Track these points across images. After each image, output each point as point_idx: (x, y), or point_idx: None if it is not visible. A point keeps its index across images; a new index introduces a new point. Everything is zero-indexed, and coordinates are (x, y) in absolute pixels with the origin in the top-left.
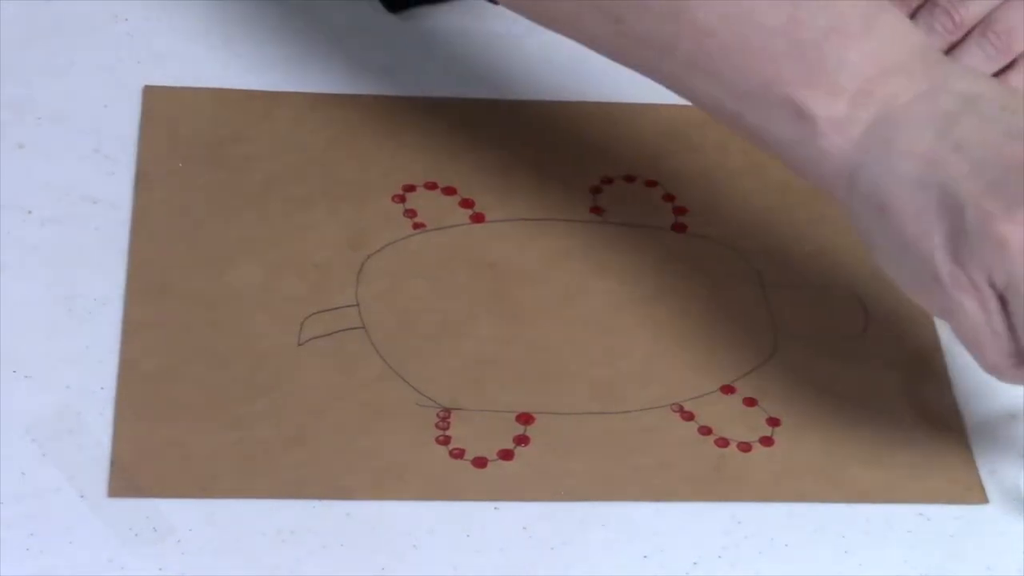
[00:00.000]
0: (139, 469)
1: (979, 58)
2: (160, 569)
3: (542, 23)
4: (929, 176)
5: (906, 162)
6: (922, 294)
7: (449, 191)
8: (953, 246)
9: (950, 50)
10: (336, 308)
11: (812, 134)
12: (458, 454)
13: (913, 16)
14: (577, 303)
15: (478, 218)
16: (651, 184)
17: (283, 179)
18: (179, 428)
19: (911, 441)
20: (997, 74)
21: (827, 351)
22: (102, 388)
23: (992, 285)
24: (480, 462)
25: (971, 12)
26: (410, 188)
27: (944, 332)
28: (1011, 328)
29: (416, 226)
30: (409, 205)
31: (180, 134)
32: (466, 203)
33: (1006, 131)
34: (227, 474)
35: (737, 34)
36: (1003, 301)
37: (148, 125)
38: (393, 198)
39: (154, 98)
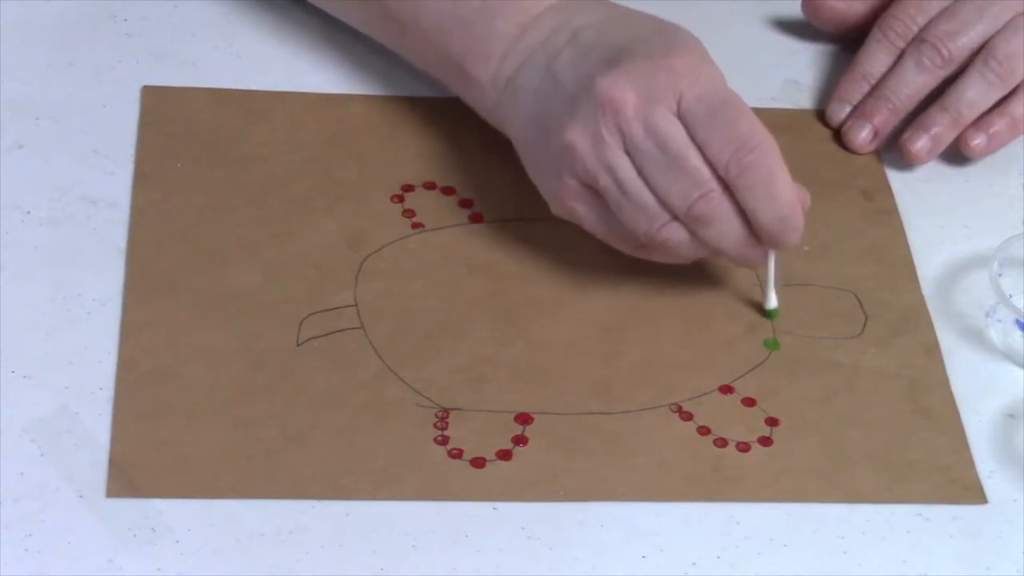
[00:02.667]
0: (137, 469)
1: (981, 87)
2: (158, 569)
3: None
4: (537, 108)
5: (525, 102)
6: (559, 209)
7: (448, 191)
8: (554, 161)
9: (948, 83)
10: (335, 308)
11: (480, 92)
12: (456, 454)
13: (902, 53)
14: (576, 303)
15: (477, 218)
16: None
17: (282, 179)
18: (177, 428)
19: (910, 441)
20: (999, 101)
21: (826, 351)
22: (101, 388)
23: (585, 186)
24: (478, 462)
25: (960, 46)
26: (409, 188)
27: (944, 332)
28: (617, 217)
29: (415, 226)
30: (408, 205)
31: (179, 134)
32: (465, 203)
33: (586, 51)
34: (225, 474)
35: (415, 16)
36: (600, 197)
37: (147, 125)
38: (392, 198)
39: (153, 98)
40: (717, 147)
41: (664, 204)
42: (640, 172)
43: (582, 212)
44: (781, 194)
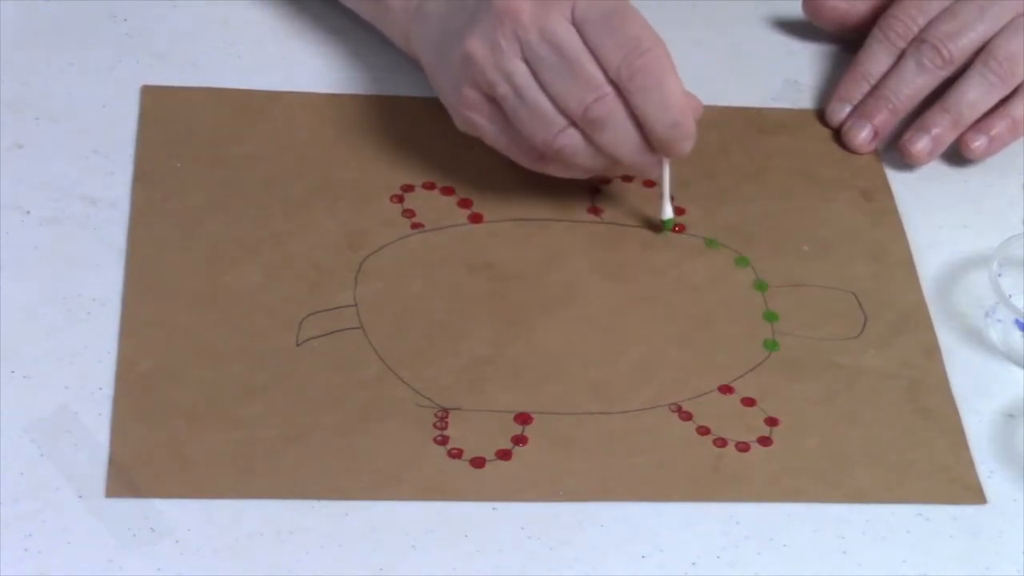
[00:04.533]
0: (137, 469)
1: (982, 88)
2: (158, 569)
3: None
4: (441, 27)
5: (429, 25)
6: (463, 124)
7: (447, 191)
8: (454, 75)
9: (948, 83)
10: (334, 308)
11: (393, 20)
12: (456, 454)
13: (903, 53)
14: (575, 303)
15: (476, 218)
16: (649, 184)
17: (281, 179)
18: (177, 428)
19: (910, 441)
20: (1000, 102)
21: (826, 351)
22: (100, 388)
23: (485, 97)
24: (478, 462)
25: (961, 47)
26: (408, 188)
27: (944, 332)
28: (516, 127)
29: (414, 226)
30: (407, 205)
31: (178, 134)
32: (464, 203)
33: None
34: (225, 474)
35: None
36: (500, 108)
37: (147, 125)
38: (391, 198)
39: (153, 98)
40: (609, 50)
41: (560, 109)
42: (537, 78)
43: (482, 123)
44: (672, 97)
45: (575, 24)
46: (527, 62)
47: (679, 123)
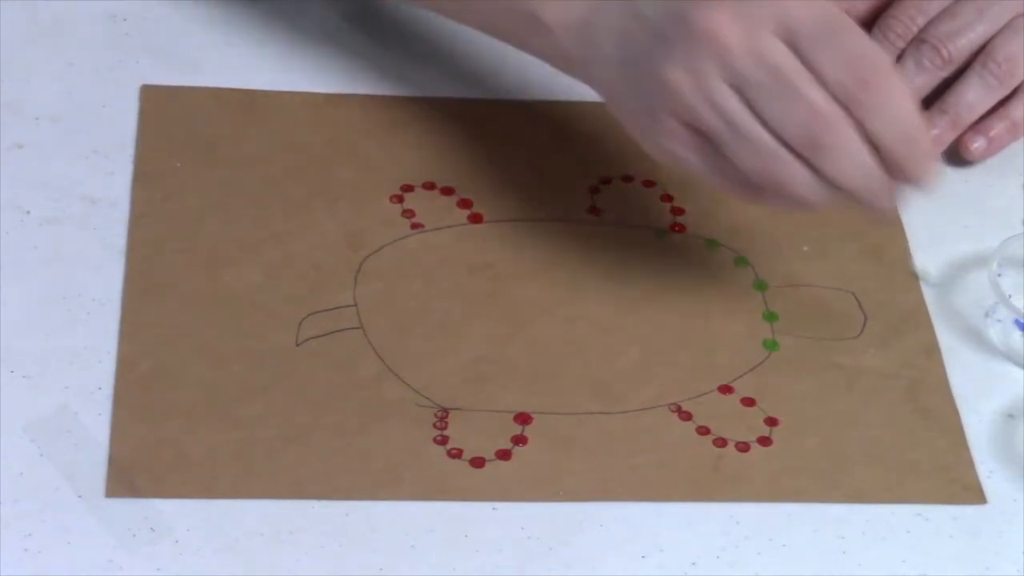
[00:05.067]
0: (137, 469)
1: (981, 89)
2: (158, 569)
3: None
4: (624, 49)
5: (608, 44)
6: (656, 152)
7: (447, 191)
8: (649, 102)
9: (946, 84)
10: (334, 308)
11: (552, 40)
12: (456, 454)
13: (902, 53)
14: (575, 303)
15: (476, 218)
16: (649, 184)
17: (281, 179)
18: (177, 428)
19: (910, 441)
20: (999, 104)
21: (825, 351)
22: (100, 388)
23: (687, 126)
24: (478, 462)
25: (960, 47)
26: (408, 188)
27: (944, 332)
28: (723, 159)
29: (414, 226)
30: (407, 205)
31: (178, 134)
32: (464, 203)
33: None
34: (225, 474)
35: None
36: (709, 139)
37: (146, 125)
38: (391, 198)
39: (152, 98)
40: (830, 66)
41: (779, 138)
42: (750, 105)
43: (686, 155)
44: (906, 111)
45: (786, 40)
46: (736, 88)
47: (913, 138)
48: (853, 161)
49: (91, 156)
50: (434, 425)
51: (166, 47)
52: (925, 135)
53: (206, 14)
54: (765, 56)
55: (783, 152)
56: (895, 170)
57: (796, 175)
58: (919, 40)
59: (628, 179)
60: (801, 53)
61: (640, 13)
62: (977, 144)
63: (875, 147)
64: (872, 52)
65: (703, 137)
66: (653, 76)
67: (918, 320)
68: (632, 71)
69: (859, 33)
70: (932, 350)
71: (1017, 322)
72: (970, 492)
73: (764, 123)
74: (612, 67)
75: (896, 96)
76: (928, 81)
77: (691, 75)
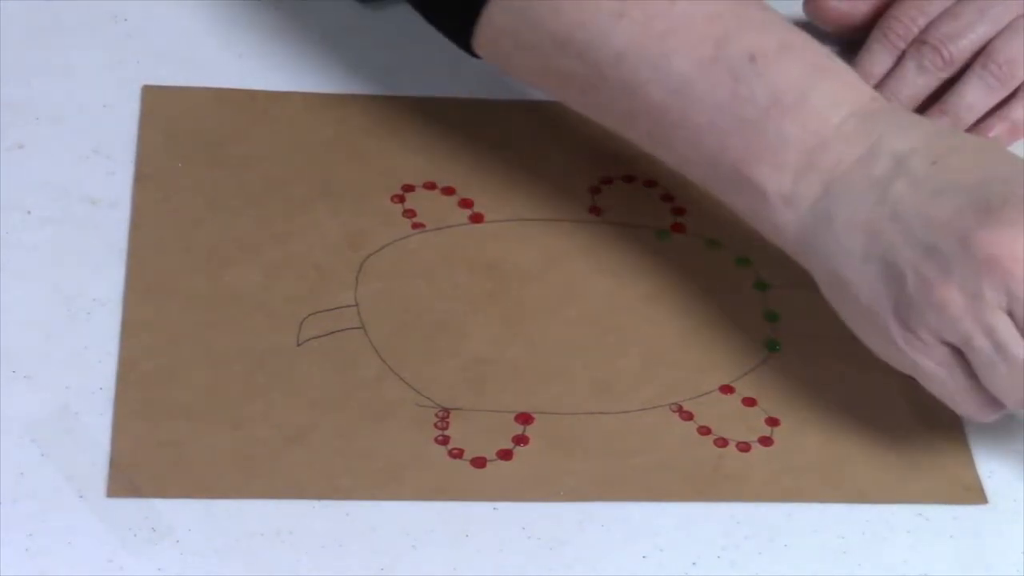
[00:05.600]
0: (138, 469)
1: (981, 90)
2: (159, 569)
3: (521, 80)
4: (872, 247)
5: (849, 235)
6: (887, 355)
7: (448, 191)
8: (903, 312)
9: (948, 84)
10: (335, 308)
11: (765, 206)
12: (457, 454)
13: (903, 54)
14: (576, 303)
15: (477, 218)
16: (650, 184)
17: (282, 179)
18: (178, 428)
19: (910, 441)
20: (999, 105)
21: (826, 351)
22: (101, 388)
23: (945, 343)
24: (479, 462)
25: (961, 48)
26: (409, 188)
27: None
28: (974, 379)
29: (415, 226)
30: (408, 205)
31: (179, 134)
32: (465, 203)
33: (934, 190)
34: (226, 474)
35: (685, 111)
36: (962, 355)
37: (147, 125)
38: (392, 198)
39: (153, 98)
40: None
41: None
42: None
43: (927, 368)
44: None
45: None
46: (1012, 314)
47: None
48: None
49: (92, 156)
50: (435, 425)
51: (167, 47)
52: None
53: (206, 14)
54: None
55: None
56: None
57: None
58: (920, 41)
59: (629, 179)
60: None
61: (898, 215)
62: None
63: None
64: None
65: (959, 355)
66: (921, 291)
67: None
68: (883, 274)
69: None
70: None
71: None
72: (970, 492)
73: None
74: (854, 263)
75: None
76: (929, 82)
77: (969, 299)
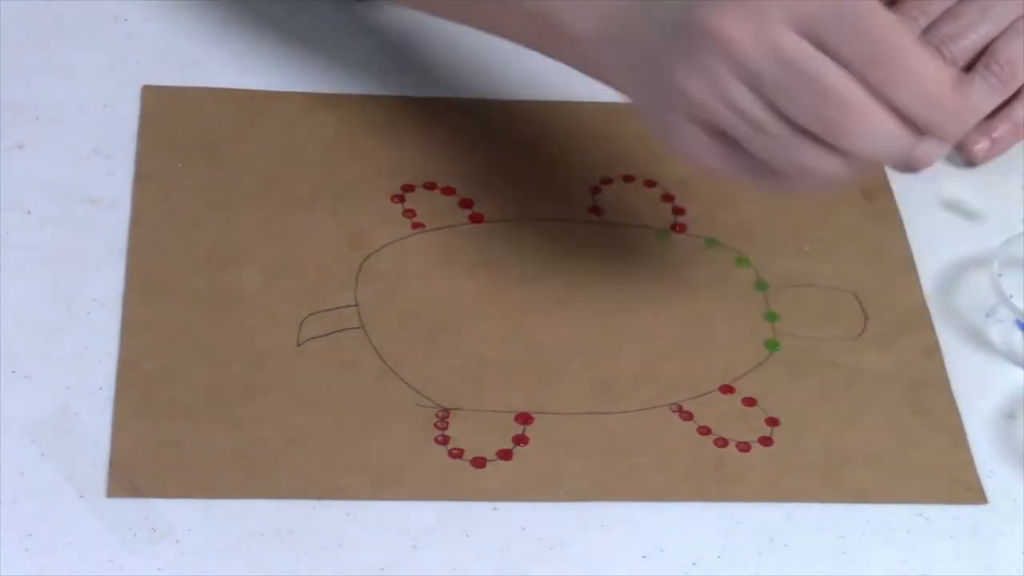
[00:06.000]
0: (138, 469)
1: (983, 90)
2: (159, 569)
3: None
4: (640, 55)
5: (628, 52)
6: (684, 157)
7: (448, 191)
8: (671, 109)
9: None
10: (335, 308)
11: (575, 49)
12: (457, 454)
13: None
14: (576, 303)
15: (477, 218)
16: (650, 184)
17: (282, 179)
18: (178, 428)
19: (910, 441)
20: (1001, 106)
21: (826, 351)
22: (101, 388)
23: (709, 130)
24: (479, 462)
25: (962, 48)
26: (409, 188)
27: (944, 332)
28: (748, 156)
29: (415, 226)
30: (408, 205)
31: (179, 134)
32: (465, 203)
33: None
34: (226, 474)
35: None
36: (727, 137)
37: (147, 125)
38: (392, 198)
39: (153, 98)
40: (851, 51)
41: (803, 130)
42: (768, 101)
43: (710, 159)
44: (931, 78)
45: (802, 31)
46: (751, 85)
47: (943, 105)
48: (878, 136)
49: (92, 156)
50: (435, 425)
51: (166, 47)
52: (952, 95)
53: (206, 14)
54: (777, 49)
55: (805, 142)
56: (926, 131)
57: (821, 160)
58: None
59: (629, 179)
60: (818, 41)
61: (653, 16)
62: (980, 146)
63: (901, 116)
64: (891, 28)
65: (723, 137)
66: (668, 80)
67: (918, 320)
68: (650, 76)
69: (878, 11)
70: (932, 350)
71: (1018, 322)
72: (970, 492)
73: (786, 118)
74: (634, 74)
75: (920, 67)
76: None
77: (702, 76)
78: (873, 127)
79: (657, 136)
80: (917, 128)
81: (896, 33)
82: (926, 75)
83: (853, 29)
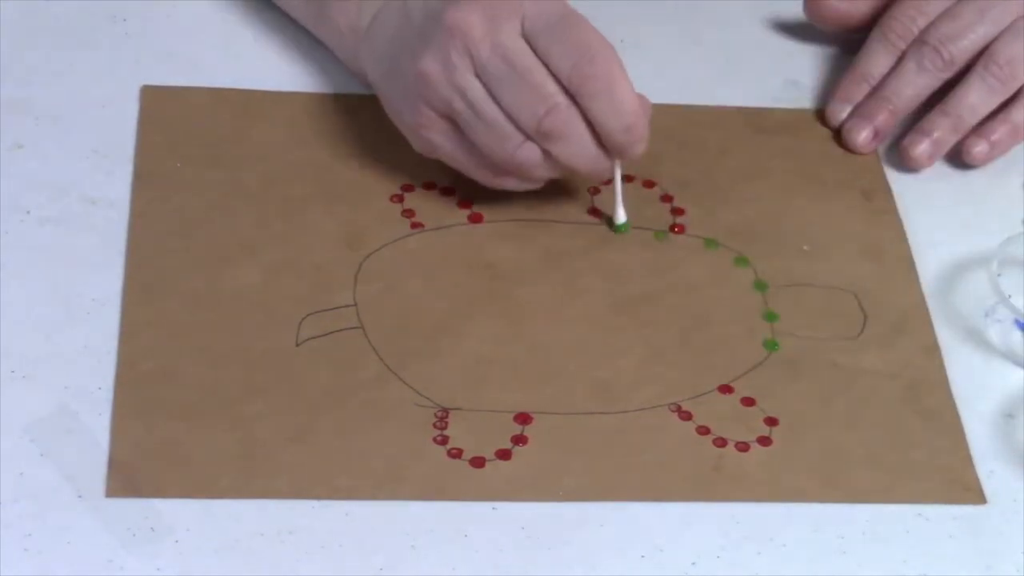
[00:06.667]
0: (137, 469)
1: (982, 91)
2: (158, 569)
3: None
4: (391, 49)
5: (381, 47)
6: (418, 143)
7: (447, 191)
8: (412, 97)
9: (948, 86)
10: (334, 308)
11: (341, 40)
12: (456, 454)
13: (903, 54)
14: (575, 303)
15: (476, 218)
16: (649, 185)
17: (281, 179)
18: (177, 428)
19: (910, 441)
20: (1000, 107)
21: (825, 351)
22: (100, 388)
23: (441, 115)
24: (478, 462)
25: (961, 49)
26: (408, 188)
27: (943, 332)
28: (471, 144)
29: (414, 226)
30: (407, 205)
31: (178, 134)
32: (464, 203)
33: None
34: (225, 474)
35: None
36: (456, 126)
37: (146, 125)
38: (391, 198)
39: (152, 98)
40: (558, 59)
41: (516, 123)
42: (491, 93)
43: (440, 142)
44: (624, 102)
45: (525, 36)
46: (480, 78)
47: (632, 127)
48: (578, 146)
49: (91, 156)
50: (434, 425)
51: (166, 47)
52: (641, 122)
53: (206, 14)
54: (505, 49)
55: (518, 136)
56: (615, 152)
57: (531, 157)
58: (920, 41)
59: (628, 179)
60: (536, 47)
61: (409, 15)
62: (979, 148)
63: (597, 132)
64: (597, 46)
65: (454, 124)
66: (412, 68)
67: (918, 320)
68: (397, 67)
69: (588, 28)
70: (932, 350)
71: (1017, 322)
72: (970, 492)
73: (504, 111)
74: (384, 65)
75: (616, 88)
76: (929, 82)
77: (441, 65)
78: (571, 133)
79: (399, 123)
80: (606, 145)
81: (604, 54)
82: (624, 96)
83: (567, 43)
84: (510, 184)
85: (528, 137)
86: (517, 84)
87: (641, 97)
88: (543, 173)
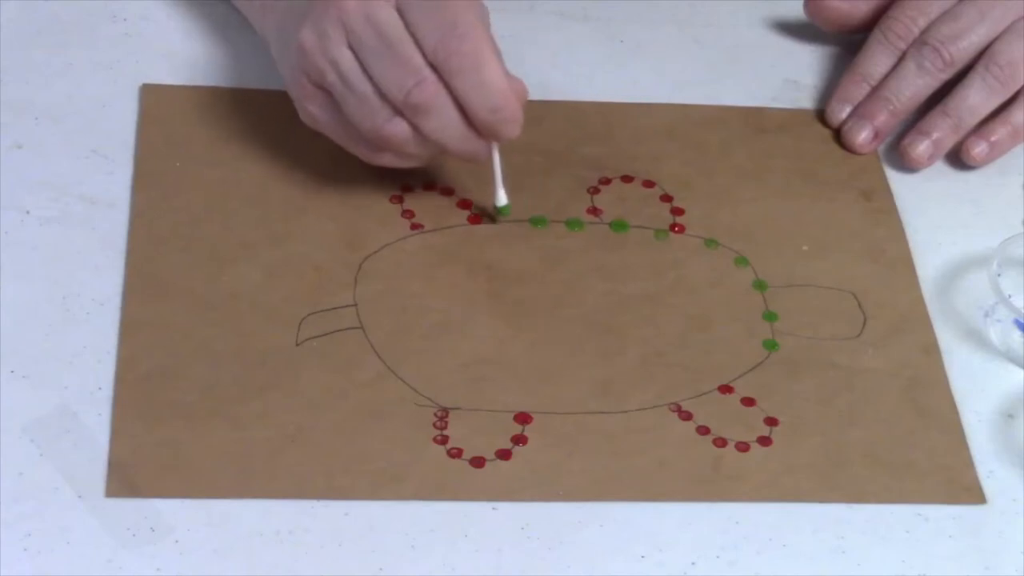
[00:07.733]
0: (137, 469)
1: (982, 92)
2: (158, 569)
3: None
4: (282, 22)
5: (275, 17)
6: (302, 114)
7: (447, 192)
8: (294, 68)
9: (948, 87)
10: (334, 308)
11: (253, 12)
12: (456, 454)
13: (903, 55)
14: (575, 303)
15: (476, 219)
16: (649, 184)
17: (281, 179)
18: (177, 428)
19: (909, 441)
20: (1000, 108)
21: (825, 351)
22: (100, 388)
23: (318, 87)
24: (478, 462)
25: (961, 49)
26: (408, 189)
27: (943, 332)
28: (346, 117)
29: (414, 227)
30: (407, 206)
31: (178, 133)
32: (464, 204)
33: None
34: (225, 474)
35: None
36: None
37: (146, 124)
38: (391, 199)
39: (152, 97)
40: (425, 32)
41: (384, 96)
42: (362, 65)
43: (317, 113)
44: (491, 81)
45: (398, 8)
46: (352, 49)
47: (499, 107)
48: (446, 123)
49: (91, 156)
50: (434, 425)
51: (166, 47)
52: (511, 103)
53: (206, 14)
54: (376, 20)
55: (387, 110)
56: (485, 133)
57: (400, 132)
58: (920, 42)
59: (628, 179)
60: (406, 20)
61: None
62: (979, 149)
63: (465, 112)
64: (467, 22)
65: (330, 96)
66: (294, 40)
67: (918, 320)
68: (285, 39)
69: (461, 7)
70: (931, 350)
71: (1017, 322)
72: (970, 492)
73: (373, 83)
74: (277, 37)
75: (483, 66)
76: (929, 83)
77: (317, 36)
78: (438, 108)
79: (289, 93)
80: (474, 124)
81: (471, 31)
82: (491, 74)
83: (435, 18)
84: (387, 160)
85: (398, 112)
86: (386, 56)
87: (513, 79)
88: (415, 150)
